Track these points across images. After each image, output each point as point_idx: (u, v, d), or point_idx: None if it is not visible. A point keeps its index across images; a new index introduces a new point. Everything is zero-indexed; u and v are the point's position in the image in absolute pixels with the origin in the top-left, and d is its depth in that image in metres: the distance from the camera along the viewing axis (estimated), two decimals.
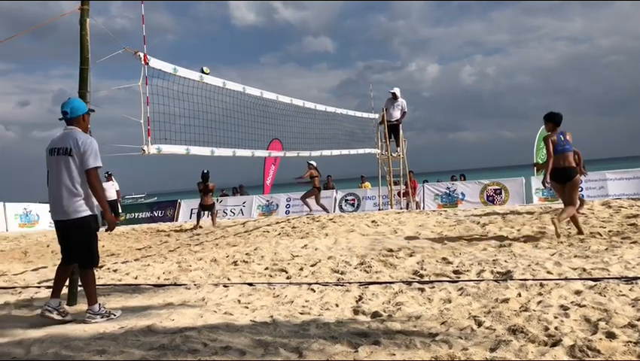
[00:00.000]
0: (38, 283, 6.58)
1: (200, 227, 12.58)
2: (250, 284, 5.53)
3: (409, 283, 5.03)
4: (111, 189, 16.33)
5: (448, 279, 5.13)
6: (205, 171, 13.22)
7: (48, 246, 10.62)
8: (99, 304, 4.43)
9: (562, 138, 7.11)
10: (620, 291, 4.14)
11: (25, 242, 11.89)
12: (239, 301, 4.85)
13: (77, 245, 4.37)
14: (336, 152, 11.83)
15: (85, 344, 3.60)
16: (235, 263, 6.82)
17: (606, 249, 5.95)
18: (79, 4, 5.27)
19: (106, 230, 4.79)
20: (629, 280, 4.48)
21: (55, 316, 4.30)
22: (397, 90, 13.63)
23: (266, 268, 6.40)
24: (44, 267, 8.11)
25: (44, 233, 13.87)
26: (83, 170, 4.26)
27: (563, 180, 7.05)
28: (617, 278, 4.58)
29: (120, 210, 17.20)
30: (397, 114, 13.60)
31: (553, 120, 7.31)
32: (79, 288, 5.26)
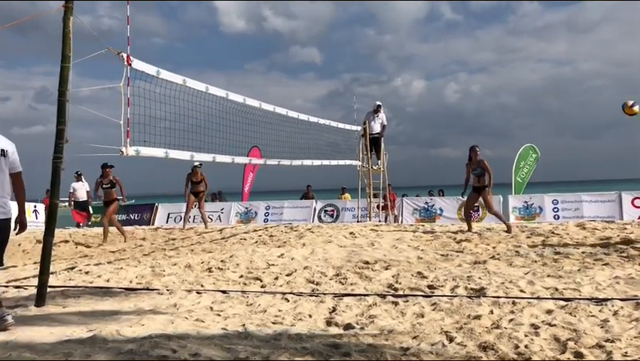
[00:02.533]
0: (6, 282, 6.43)
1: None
2: (223, 292, 5.48)
3: (383, 296, 5.03)
4: (82, 190, 16.03)
5: (422, 293, 5.14)
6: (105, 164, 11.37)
7: (19, 245, 10.40)
8: None
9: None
10: (590, 312, 4.20)
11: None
12: (211, 308, 4.80)
13: (2, 245, 4.44)
14: (317, 162, 11.83)
15: (51, 347, 3.52)
16: (209, 270, 6.76)
17: (578, 270, 6.03)
18: (64, 2, 5.21)
19: (17, 233, 4.71)
20: (599, 301, 4.54)
21: None
22: (380, 103, 13.80)
23: (241, 276, 6.35)
24: (14, 266, 7.95)
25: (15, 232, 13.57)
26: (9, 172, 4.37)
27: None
28: (587, 299, 4.64)
29: (91, 211, 16.91)
30: (377, 127, 13.71)
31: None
32: (48, 289, 5.18)
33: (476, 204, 10.72)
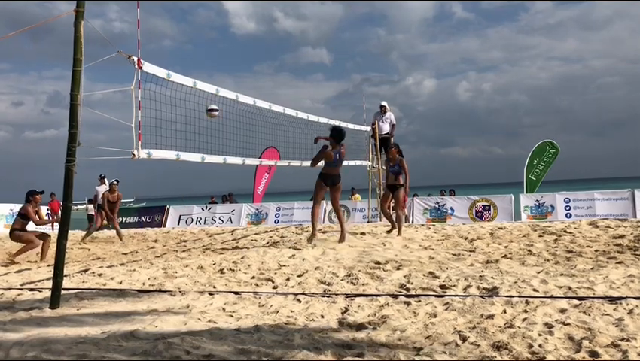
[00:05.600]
0: (21, 285, 6.50)
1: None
2: (236, 293, 5.50)
3: (395, 296, 5.02)
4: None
5: (434, 293, 5.13)
6: None
7: None
8: None
9: (338, 156, 8.41)
10: (605, 311, 4.16)
11: (9, 243, 11.74)
12: (223, 309, 4.81)
13: None
14: None
15: (66, 348, 3.55)
16: (221, 271, 6.78)
17: (592, 268, 5.98)
18: (75, 7, 5.26)
19: None
20: (613, 299, 4.50)
21: None
22: (385, 104, 13.73)
23: (253, 277, 6.37)
24: (28, 269, 8.03)
25: None
26: None
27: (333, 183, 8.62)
28: (601, 298, 4.60)
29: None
30: (386, 127, 13.68)
31: (335, 136, 8.48)
32: (62, 291, 5.23)
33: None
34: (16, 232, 9.33)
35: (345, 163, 12.63)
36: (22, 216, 9.48)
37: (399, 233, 9.58)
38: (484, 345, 3.45)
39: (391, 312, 4.44)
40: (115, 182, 12.61)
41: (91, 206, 18.42)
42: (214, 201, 19.76)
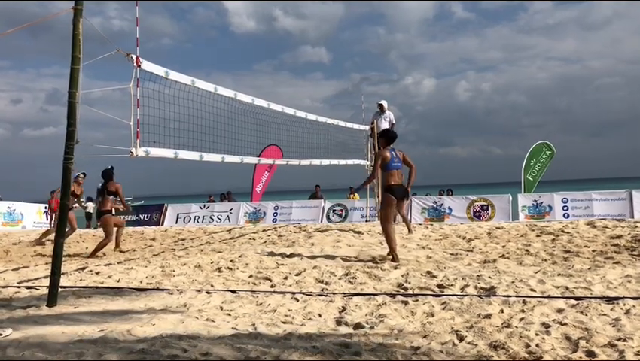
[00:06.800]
0: (18, 282, 6.49)
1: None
2: (233, 291, 5.50)
3: (393, 295, 5.03)
4: None
5: (432, 293, 5.13)
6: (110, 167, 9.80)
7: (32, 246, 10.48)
8: None
9: (395, 155, 7.18)
10: (602, 311, 4.18)
11: (7, 241, 11.74)
12: (221, 308, 4.81)
13: None
14: (325, 162, 11.83)
15: (63, 346, 3.55)
16: (219, 270, 6.78)
17: (589, 268, 5.99)
18: (73, 4, 5.25)
19: None
20: (610, 300, 4.51)
21: None
22: (384, 102, 13.68)
23: (251, 276, 6.37)
24: (25, 267, 8.01)
25: (27, 232, 13.70)
26: None
27: (402, 196, 7.18)
28: (598, 298, 4.61)
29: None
30: (385, 126, 13.65)
31: (385, 137, 7.40)
32: (60, 289, 5.22)
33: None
34: (108, 216, 9.30)
35: (343, 162, 12.68)
36: (112, 194, 9.37)
37: (409, 231, 9.65)
38: (481, 345, 3.45)
39: (388, 311, 4.45)
40: (83, 174, 11.50)
41: (90, 204, 18.40)
42: (212, 199, 19.75)
